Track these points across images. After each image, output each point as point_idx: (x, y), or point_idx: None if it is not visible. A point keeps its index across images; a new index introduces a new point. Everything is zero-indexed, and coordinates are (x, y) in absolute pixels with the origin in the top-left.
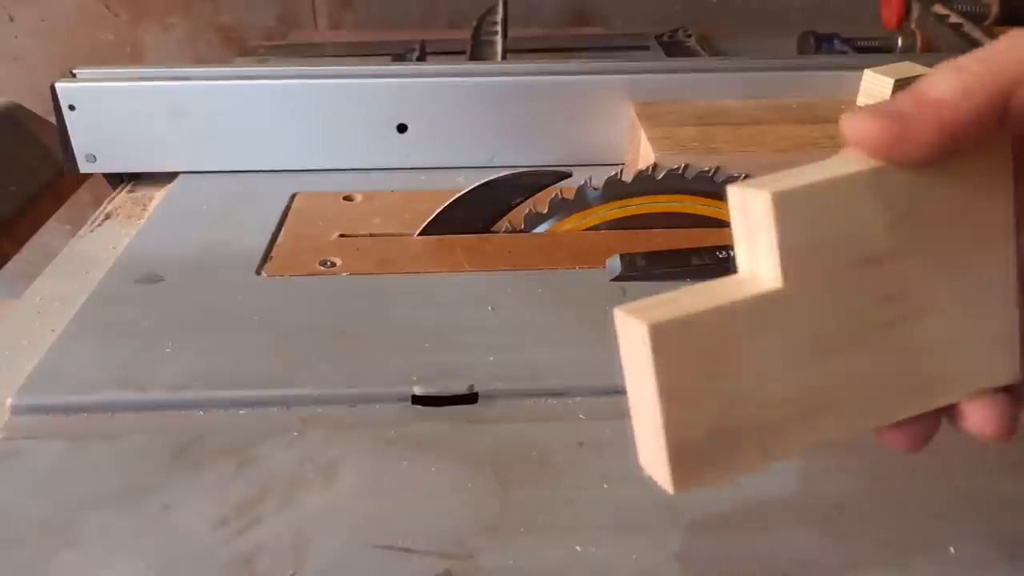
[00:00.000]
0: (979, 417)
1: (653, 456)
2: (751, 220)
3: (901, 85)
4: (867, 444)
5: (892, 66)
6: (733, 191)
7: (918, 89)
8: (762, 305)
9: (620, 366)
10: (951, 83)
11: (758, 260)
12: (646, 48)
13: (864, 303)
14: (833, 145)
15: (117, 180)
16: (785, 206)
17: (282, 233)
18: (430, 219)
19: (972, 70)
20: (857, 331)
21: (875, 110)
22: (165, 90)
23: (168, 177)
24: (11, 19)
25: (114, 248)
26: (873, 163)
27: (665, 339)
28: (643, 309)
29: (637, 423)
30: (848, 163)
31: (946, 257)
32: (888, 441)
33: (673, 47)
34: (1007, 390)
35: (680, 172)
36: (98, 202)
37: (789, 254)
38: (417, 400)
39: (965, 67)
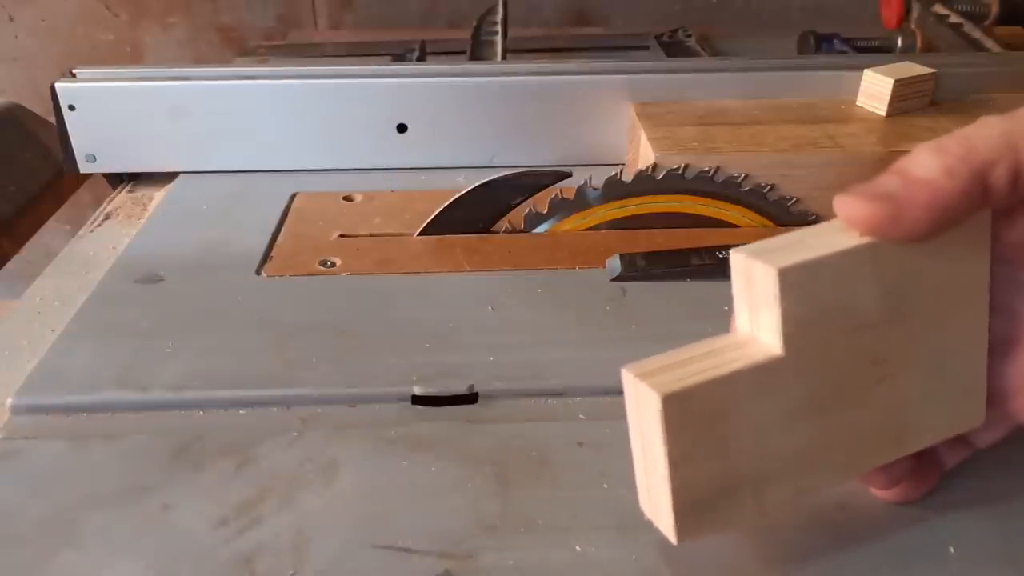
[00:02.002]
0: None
1: (657, 506)
2: (755, 288)
3: (901, 85)
4: None
5: (892, 66)
6: (737, 258)
7: (903, 169)
8: (764, 371)
9: (618, 367)
10: (935, 163)
11: (760, 326)
12: (646, 48)
13: (856, 365)
14: (833, 145)
15: (117, 180)
16: (789, 280)
17: (282, 233)
18: (430, 219)
19: (951, 151)
20: (848, 390)
21: (866, 192)
22: (165, 90)
23: (168, 177)
24: (11, 19)
25: (114, 248)
26: (867, 238)
27: (675, 408)
28: (652, 373)
29: (641, 471)
30: (843, 234)
31: (928, 318)
32: (870, 482)
33: (673, 47)
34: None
35: (680, 172)
36: (98, 202)
37: (791, 325)
38: (417, 400)
39: (944, 148)
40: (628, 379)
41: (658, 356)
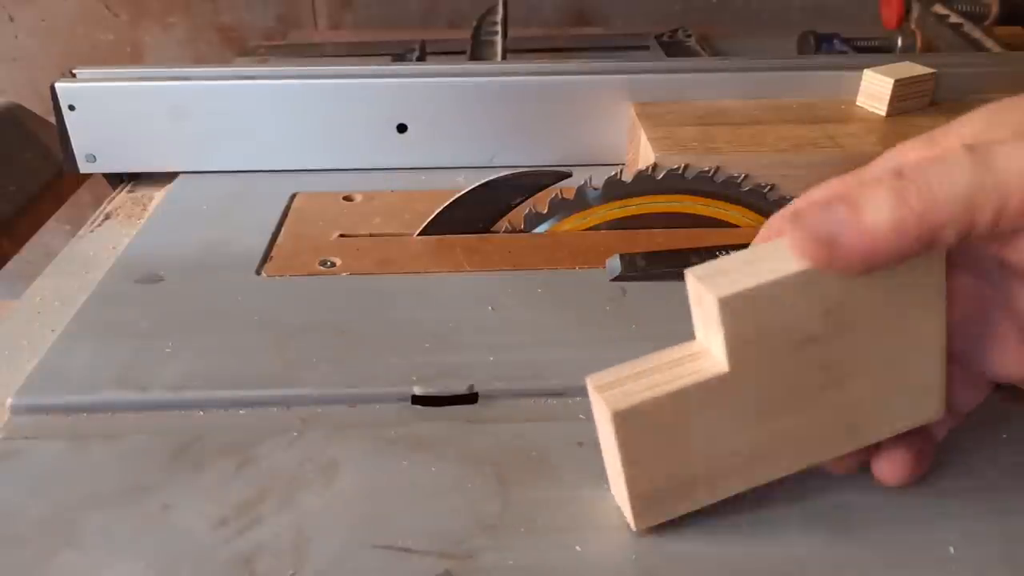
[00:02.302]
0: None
1: (620, 497)
2: (704, 308)
3: (901, 85)
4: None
5: (892, 66)
6: (691, 280)
7: (856, 203)
8: (712, 385)
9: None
10: (886, 214)
11: (711, 341)
12: (646, 48)
13: (803, 373)
14: (833, 145)
15: (117, 180)
16: (731, 307)
17: (282, 233)
18: (430, 219)
19: (910, 203)
20: (797, 395)
21: (809, 228)
22: (165, 90)
23: (168, 177)
24: (11, 19)
25: (114, 248)
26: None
27: (625, 421)
28: (609, 385)
29: (608, 466)
30: (786, 257)
31: (877, 327)
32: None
33: (673, 47)
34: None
35: (680, 172)
36: (98, 202)
37: (735, 345)
38: (417, 400)
39: (904, 197)
40: (590, 388)
41: (622, 365)
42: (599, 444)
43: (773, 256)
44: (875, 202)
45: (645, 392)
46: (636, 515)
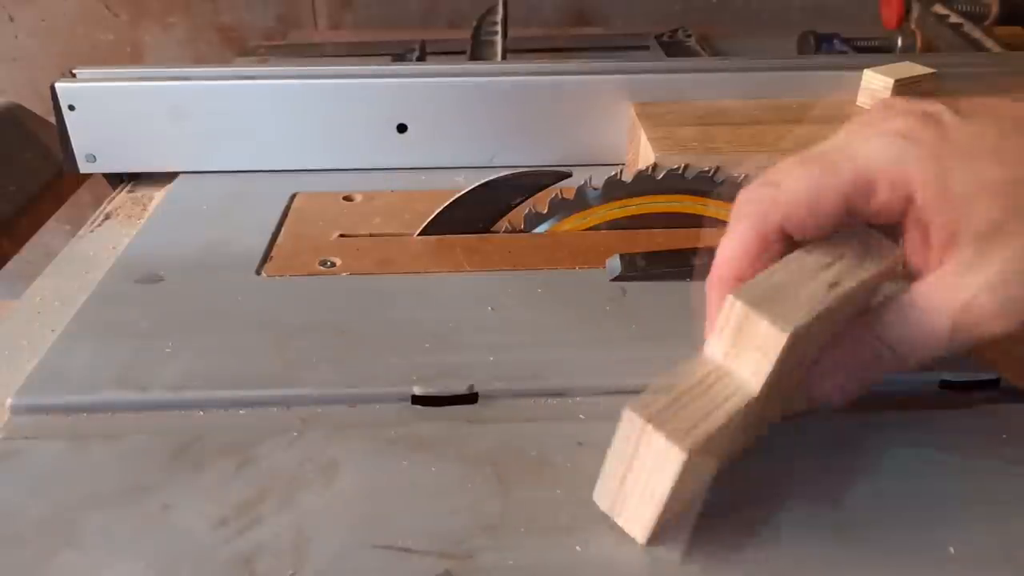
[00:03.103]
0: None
1: (627, 512)
2: (748, 335)
3: (901, 85)
4: (867, 445)
5: (892, 66)
6: (734, 303)
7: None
8: (744, 410)
9: (618, 367)
10: (728, 250)
11: (739, 363)
12: (646, 48)
13: (780, 383)
14: None
15: (117, 180)
16: (793, 340)
17: (282, 233)
18: (430, 219)
19: (746, 248)
20: (770, 400)
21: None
22: (165, 90)
23: (168, 177)
24: (11, 19)
25: (114, 248)
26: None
27: (691, 460)
28: (662, 419)
29: (614, 478)
30: (809, 276)
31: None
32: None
33: (673, 47)
34: None
35: (680, 172)
36: (98, 202)
37: (775, 371)
38: (417, 400)
39: (746, 245)
40: (635, 420)
41: (654, 392)
42: (599, 444)
43: (798, 277)
44: (726, 243)
45: (701, 426)
46: (652, 533)
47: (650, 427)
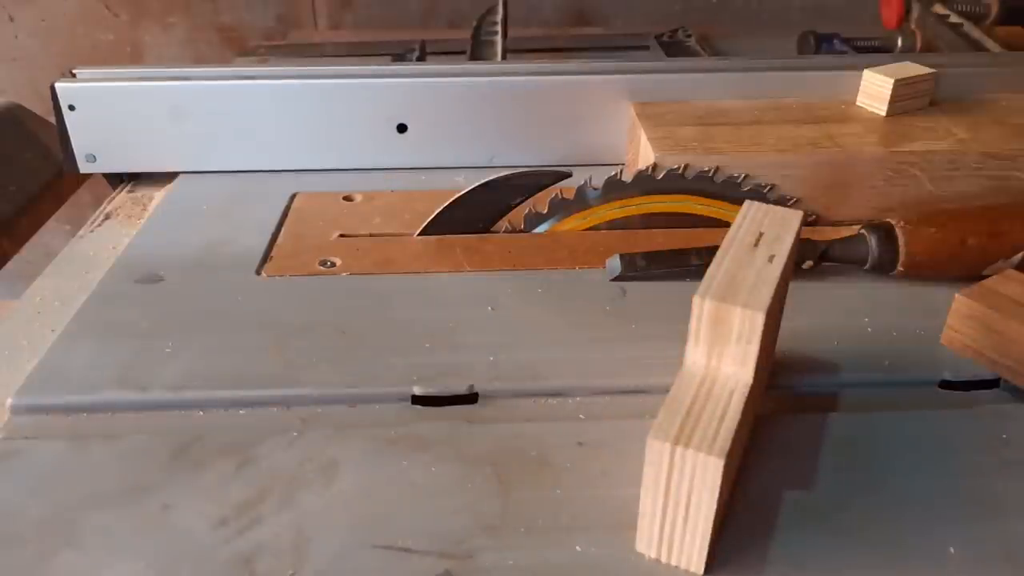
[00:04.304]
0: None
1: (679, 545)
2: (724, 328)
3: (901, 85)
4: (867, 445)
5: (892, 66)
6: (702, 303)
7: None
8: (746, 397)
9: (618, 367)
10: None
11: (725, 359)
12: (646, 48)
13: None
14: (833, 145)
15: (117, 180)
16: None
17: (282, 233)
18: (430, 219)
19: None
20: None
21: None
22: (165, 90)
23: (168, 177)
24: (11, 19)
25: (114, 248)
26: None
27: (724, 464)
28: (686, 438)
29: (654, 519)
30: (755, 255)
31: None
32: None
33: (673, 47)
34: None
35: (680, 172)
36: (98, 202)
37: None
38: (417, 400)
39: None
40: (662, 448)
41: (663, 415)
42: (599, 444)
43: (738, 263)
44: None
45: (721, 430)
46: (710, 553)
47: (679, 448)
